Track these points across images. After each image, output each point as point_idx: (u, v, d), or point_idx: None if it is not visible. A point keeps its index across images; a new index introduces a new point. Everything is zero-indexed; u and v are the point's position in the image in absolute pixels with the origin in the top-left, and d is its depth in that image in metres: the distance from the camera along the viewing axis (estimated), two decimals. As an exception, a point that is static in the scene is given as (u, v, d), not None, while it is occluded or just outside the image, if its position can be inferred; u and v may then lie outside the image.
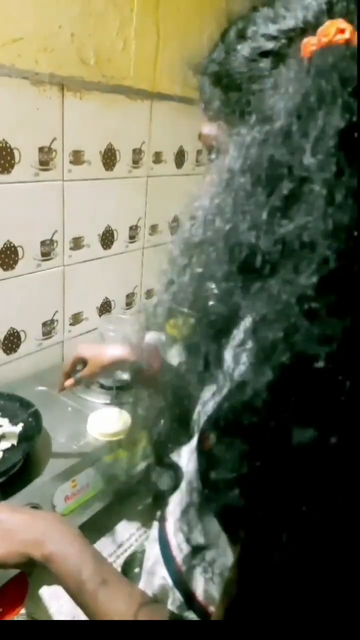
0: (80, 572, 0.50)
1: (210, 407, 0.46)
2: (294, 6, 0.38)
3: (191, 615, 0.53)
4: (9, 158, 1.00)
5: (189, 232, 0.39)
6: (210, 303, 0.38)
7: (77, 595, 0.51)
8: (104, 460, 0.91)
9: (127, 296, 1.48)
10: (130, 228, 1.40)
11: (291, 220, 0.31)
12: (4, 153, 0.99)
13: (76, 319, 1.31)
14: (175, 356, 1.18)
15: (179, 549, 0.54)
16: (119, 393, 1.09)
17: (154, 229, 1.49)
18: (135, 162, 1.34)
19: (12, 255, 1.08)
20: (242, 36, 0.41)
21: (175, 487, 0.48)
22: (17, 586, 0.79)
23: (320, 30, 0.34)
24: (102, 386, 1.13)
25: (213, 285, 0.37)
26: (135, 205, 1.40)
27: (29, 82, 1.00)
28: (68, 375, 0.86)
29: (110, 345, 0.84)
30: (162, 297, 0.41)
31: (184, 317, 0.44)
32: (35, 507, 0.78)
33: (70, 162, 1.14)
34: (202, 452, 0.45)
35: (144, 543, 0.92)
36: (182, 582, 0.53)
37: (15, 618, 0.73)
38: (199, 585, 0.52)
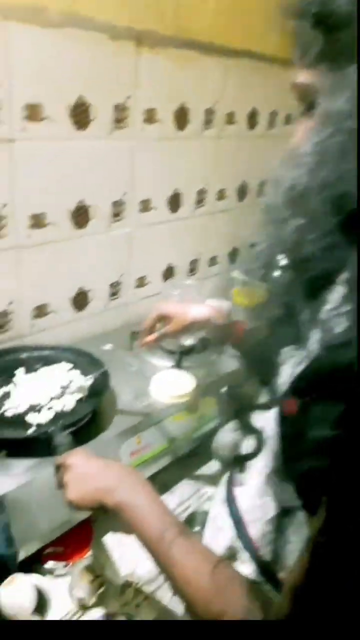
0: (152, 523, 0.51)
1: (296, 370, 0.45)
2: None
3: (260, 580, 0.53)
4: (85, 115, 1.00)
5: (292, 180, 0.37)
6: (311, 257, 0.36)
7: (149, 544, 0.52)
8: (167, 420, 0.92)
9: (191, 262, 1.47)
10: (198, 192, 1.37)
11: None
12: (81, 109, 0.99)
13: (141, 282, 1.32)
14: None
15: (253, 514, 0.54)
16: (182, 357, 1.10)
17: (221, 194, 1.45)
18: (207, 123, 1.30)
19: (85, 215, 1.09)
20: None
21: (257, 451, 0.48)
22: (83, 531, 0.83)
23: None
24: (166, 350, 1.14)
25: (314, 238, 0.35)
26: (205, 169, 1.37)
27: (107, 36, 0.98)
28: (150, 331, 0.87)
29: (194, 305, 0.83)
30: (261, 248, 0.40)
31: (255, 287, 0.43)
32: (102, 458, 0.80)
33: (143, 120, 1.13)
34: (287, 417, 0.44)
35: (203, 504, 0.93)
36: (252, 546, 0.53)
37: (81, 560, 0.77)
38: (270, 551, 0.52)
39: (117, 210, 1.16)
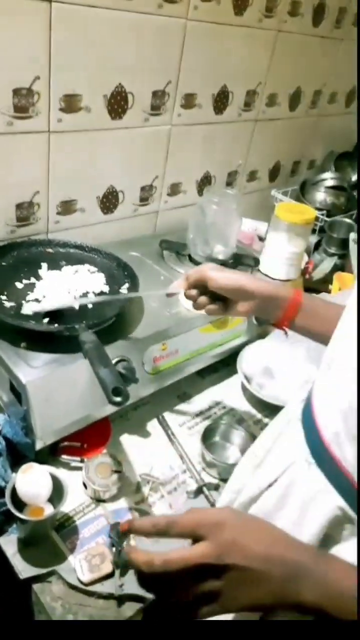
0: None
1: None
2: None
3: None
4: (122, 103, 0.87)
5: None
6: None
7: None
8: (194, 331, 0.89)
9: (229, 175, 1.36)
10: (247, 93, 1.24)
11: None
12: (118, 98, 0.85)
13: (174, 190, 1.23)
14: (280, 241, 0.98)
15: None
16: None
17: (271, 99, 1.31)
18: (269, 10, 1.13)
19: (122, 103, 0.98)
20: None
21: None
22: (101, 429, 0.82)
23: None
24: (195, 262, 1.08)
25: None
26: (258, 65, 1.22)
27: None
28: (188, 286, 0.69)
29: (238, 273, 0.66)
30: None
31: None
32: (125, 360, 0.77)
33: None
34: None
35: (222, 416, 0.92)
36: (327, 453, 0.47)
37: (97, 456, 0.77)
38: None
39: (158, 103, 1.05)
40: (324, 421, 0.49)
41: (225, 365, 1.01)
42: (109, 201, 1.10)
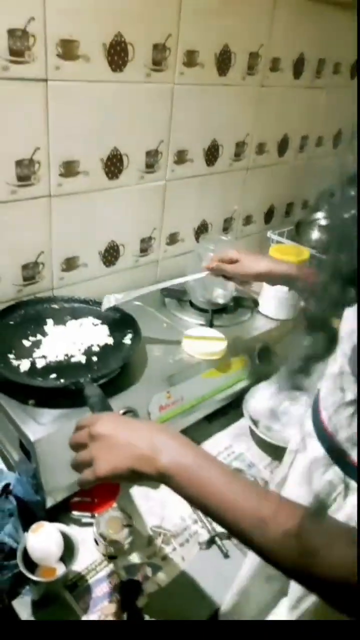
0: (215, 478, 0.46)
1: None
2: None
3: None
4: (122, 54, 0.94)
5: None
6: None
7: (205, 501, 0.46)
8: (198, 377, 0.90)
9: (225, 221, 1.41)
10: (237, 145, 1.30)
11: None
12: (118, 48, 0.93)
13: (173, 239, 1.28)
14: None
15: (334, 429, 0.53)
16: (214, 315, 1.06)
17: (261, 148, 1.38)
18: (251, 68, 1.21)
19: (118, 164, 1.04)
20: None
21: (329, 351, 0.42)
22: (111, 482, 0.82)
23: None
24: (197, 307, 1.11)
25: None
26: (245, 120, 1.29)
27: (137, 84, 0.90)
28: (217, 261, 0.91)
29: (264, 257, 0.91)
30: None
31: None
32: (131, 411, 0.79)
33: (183, 63, 1.06)
34: None
35: (232, 462, 0.92)
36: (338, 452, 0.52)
37: (108, 510, 0.77)
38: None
39: (152, 161, 1.11)
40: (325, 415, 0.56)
41: (233, 407, 1.02)
42: (111, 255, 1.14)
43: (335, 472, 0.53)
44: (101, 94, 0.95)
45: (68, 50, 0.86)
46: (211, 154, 1.24)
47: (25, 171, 0.90)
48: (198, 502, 0.46)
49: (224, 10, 1.07)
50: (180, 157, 1.17)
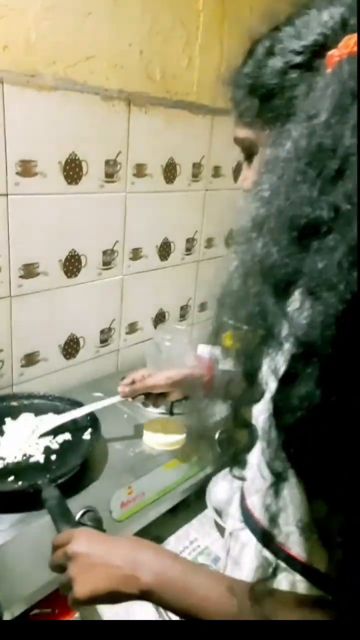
0: (202, 590, 0.46)
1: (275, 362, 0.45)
2: (313, 25, 0.46)
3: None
4: (77, 170, 1.04)
5: (255, 212, 0.43)
6: (276, 264, 0.41)
7: (208, 609, 0.46)
8: (159, 469, 0.90)
9: (182, 308, 1.49)
10: (187, 241, 1.41)
11: (339, 188, 0.38)
12: (73, 165, 1.03)
13: (132, 328, 1.33)
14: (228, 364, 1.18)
15: (263, 513, 0.54)
16: (174, 404, 1.09)
17: (209, 242, 1.50)
18: (195, 176, 1.35)
19: (76, 264, 1.11)
20: (271, 53, 0.49)
21: (251, 445, 0.47)
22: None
23: (341, 44, 0.41)
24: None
25: (276, 251, 0.41)
26: (193, 219, 1.41)
27: (99, 97, 1.04)
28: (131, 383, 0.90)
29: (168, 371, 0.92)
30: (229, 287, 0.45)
31: (239, 330, 0.47)
32: (91, 511, 0.78)
33: (134, 174, 1.17)
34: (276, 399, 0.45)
35: (198, 557, 0.90)
36: (272, 544, 0.53)
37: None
38: (294, 542, 0.52)
39: (108, 259, 1.19)
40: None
41: (197, 497, 1.01)
42: (71, 347, 1.17)
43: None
44: (58, 203, 1.04)
45: (26, 168, 0.95)
46: (164, 250, 1.34)
47: (-14, 276, 0.95)
48: (183, 613, 0.46)
49: (168, 130, 1.22)
50: (135, 254, 1.26)
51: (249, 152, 0.56)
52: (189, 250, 1.42)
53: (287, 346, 0.40)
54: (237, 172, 1.51)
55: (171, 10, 1.14)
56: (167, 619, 0.72)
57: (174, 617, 0.48)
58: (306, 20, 0.47)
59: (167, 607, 0.47)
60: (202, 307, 1.57)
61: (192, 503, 1.01)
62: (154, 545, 0.51)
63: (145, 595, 0.46)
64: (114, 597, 0.48)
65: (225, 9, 1.28)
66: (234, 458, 0.50)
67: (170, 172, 1.27)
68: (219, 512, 0.95)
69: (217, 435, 1.04)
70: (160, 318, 1.41)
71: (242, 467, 0.52)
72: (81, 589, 0.48)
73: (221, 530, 0.95)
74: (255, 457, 0.54)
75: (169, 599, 0.46)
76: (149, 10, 1.09)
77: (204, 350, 1.49)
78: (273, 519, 0.41)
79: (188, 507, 1.00)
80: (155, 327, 1.40)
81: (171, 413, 1.06)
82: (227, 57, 1.32)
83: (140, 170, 1.19)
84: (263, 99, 0.50)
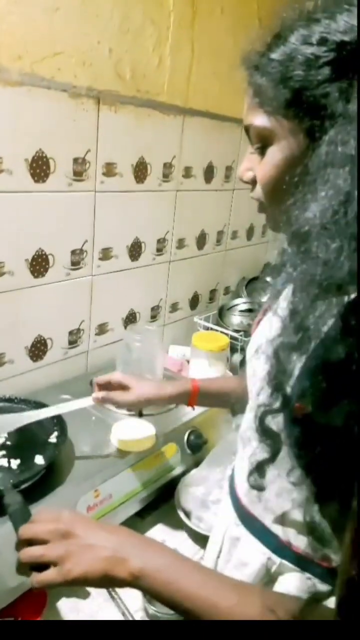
0: (191, 582, 0.47)
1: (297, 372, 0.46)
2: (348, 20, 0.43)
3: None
4: (44, 167, 1.02)
5: (317, 217, 0.42)
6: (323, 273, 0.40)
7: (182, 606, 0.47)
8: (127, 471, 0.89)
9: (152, 309, 1.48)
10: (158, 241, 1.40)
11: None
12: (40, 163, 1.01)
13: (102, 329, 1.31)
14: (202, 366, 1.21)
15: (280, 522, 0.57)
16: (143, 404, 1.08)
17: (180, 243, 1.49)
18: (166, 176, 1.35)
19: (43, 263, 1.09)
20: (308, 42, 0.45)
21: (275, 455, 0.48)
22: (36, 597, 0.77)
23: None
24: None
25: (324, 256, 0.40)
26: (164, 219, 1.41)
27: (67, 94, 1.02)
28: (101, 388, 0.86)
29: (149, 382, 0.89)
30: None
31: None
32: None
33: (103, 174, 1.16)
34: (296, 420, 0.45)
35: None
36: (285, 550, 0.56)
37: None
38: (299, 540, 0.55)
39: (77, 259, 1.17)
40: (240, 489, 0.64)
41: (165, 499, 1.01)
42: (38, 349, 1.15)
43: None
44: (25, 201, 1.01)
45: (-9, 165, 0.93)
46: (135, 250, 1.33)
47: None
48: (172, 603, 0.47)
49: (138, 130, 1.21)
50: (105, 254, 1.24)
51: (264, 143, 0.51)
52: (160, 250, 1.42)
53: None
54: (208, 173, 1.51)
55: (141, 9, 1.13)
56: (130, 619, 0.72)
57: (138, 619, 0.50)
58: (351, 16, 0.44)
59: (156, 594, 0.48)
60: (174, 307, 1.56)
61: (161, 505, 1.00)
62: (147, 537, 0.54)
63: (135, 580, 0.47)
64: (105, 580, 0.49)
65: (196, 9, 1.28)
66: (257, 468, 0.51)
67: (140, 171, 1.26)
68: (187, 513, 0.95)
69: (185, 437, 1.05)
70: (130, 319, 1.40)
71: (262, 477, 0.52)
72: (75, 567, 0.48)
73: (190, 532, 0.94)
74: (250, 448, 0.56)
75: (158, 585, 0.47)
76: (119, 8, 1.08)
77: (178, 351, 1.49)
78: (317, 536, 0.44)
79: (157, 510, 1.00)
80: (125, 327, 1.38)
81: (140, 414, 1.05)
82: (197, 57, 1.32)
83: (109, 170, 1.17)
84: (294, 90, 0.46)
